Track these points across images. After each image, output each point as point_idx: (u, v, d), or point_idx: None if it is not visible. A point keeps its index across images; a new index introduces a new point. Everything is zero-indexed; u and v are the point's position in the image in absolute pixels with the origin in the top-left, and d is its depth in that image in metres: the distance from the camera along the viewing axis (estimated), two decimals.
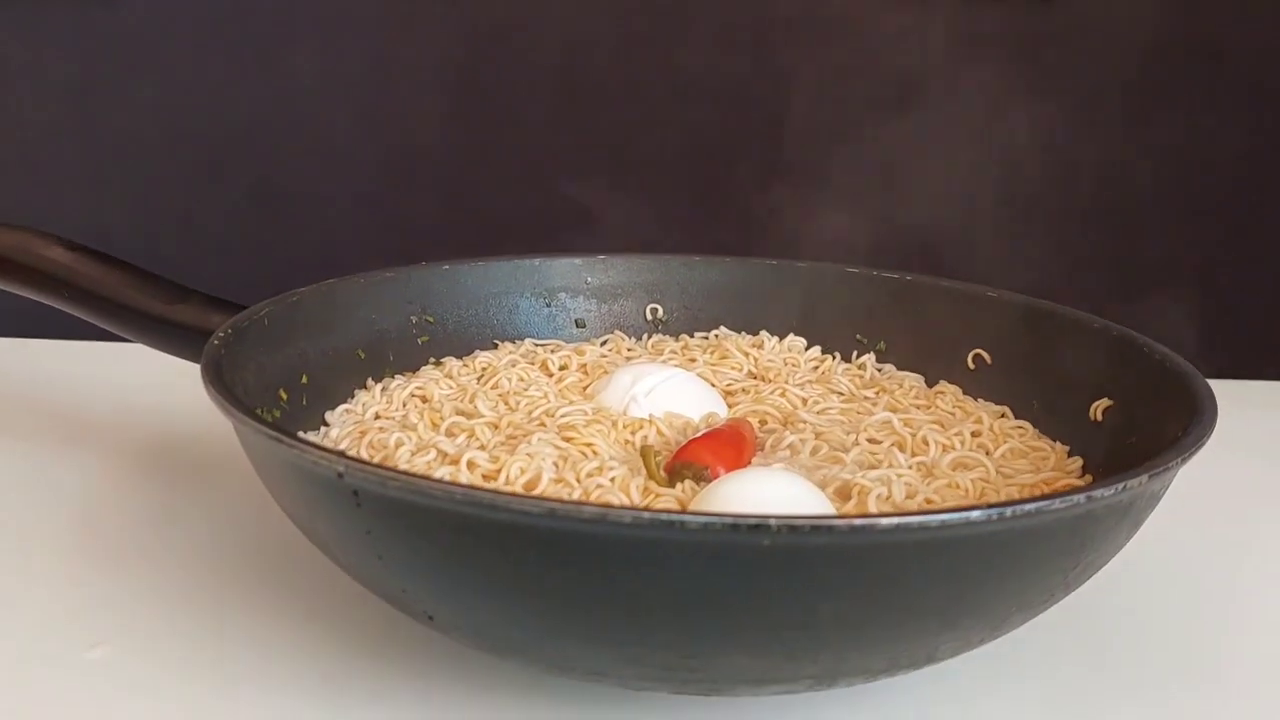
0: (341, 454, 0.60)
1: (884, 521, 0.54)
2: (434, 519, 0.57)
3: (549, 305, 1.15)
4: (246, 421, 0.63)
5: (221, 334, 0.81)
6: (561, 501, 0.54)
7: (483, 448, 0.87)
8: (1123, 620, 0.87)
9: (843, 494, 0.81)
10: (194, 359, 0.92)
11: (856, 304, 1.13)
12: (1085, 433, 0.91)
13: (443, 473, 0.77)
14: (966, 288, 1.07)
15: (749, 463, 0.86)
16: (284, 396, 0.88)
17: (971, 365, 1.05)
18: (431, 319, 1.08)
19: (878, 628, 0.59)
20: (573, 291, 1.16)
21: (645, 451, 0.81)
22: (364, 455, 0.85)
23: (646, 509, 0.53)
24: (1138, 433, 0.84)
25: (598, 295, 1.17)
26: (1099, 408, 0.90)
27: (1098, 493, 0.58)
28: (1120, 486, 0.59)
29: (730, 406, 1.00)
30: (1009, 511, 0.55)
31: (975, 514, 0.54)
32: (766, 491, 0.72)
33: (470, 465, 0.79)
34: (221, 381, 0.70)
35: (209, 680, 0.74)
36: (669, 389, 0.98)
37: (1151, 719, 0.75)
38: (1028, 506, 0.56)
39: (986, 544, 0.57)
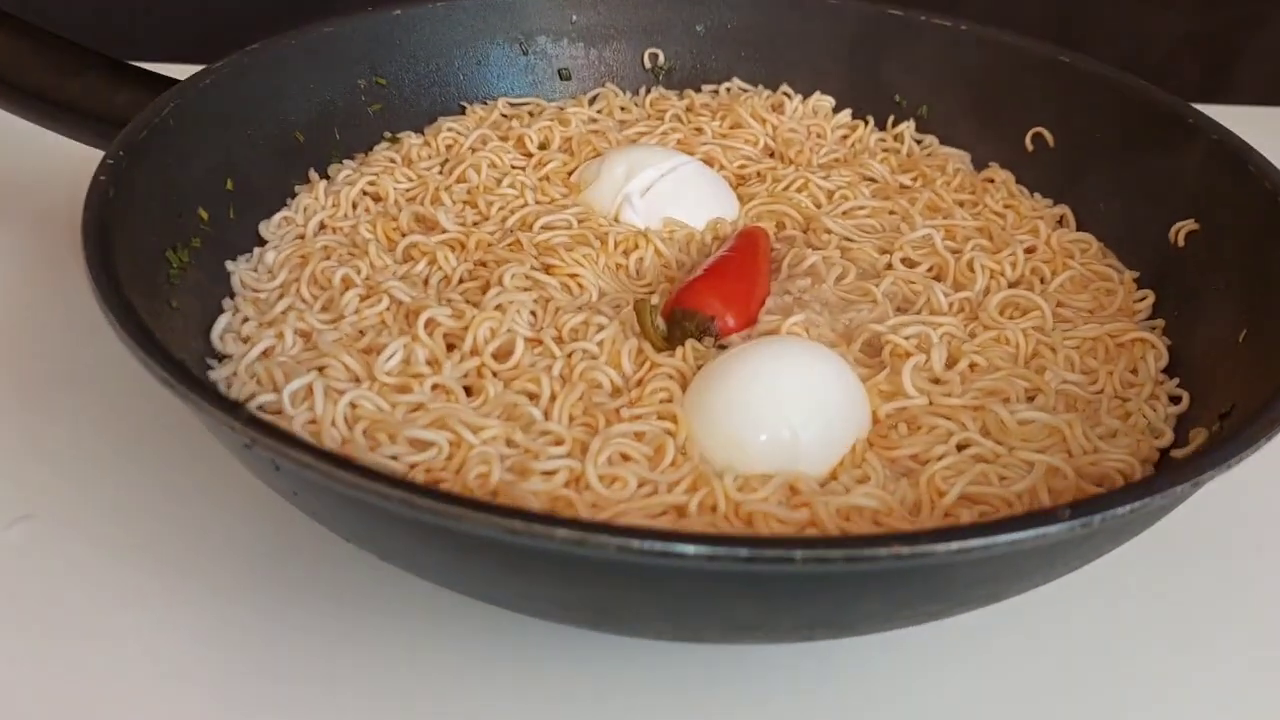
0: (250, 418, 0.47)
1: (940, 547, 0.42)
2: (370, 510, 0.46)
3: (526, 53, 0.96)
4: (136, 350, 0.50)
5: (111, 161, 0.65)
6: (528, 515, 0.42)
7: (446, 279, 0.73)
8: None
9: (872, 348, 0.69)
10: (100, 145, 0.77)
11: (897, 57, 0.93)
12: (1161, 257, 0.76)
13: (395, 348, 0.64)
14: (1034, 46, 0.87)
15: (762, 302, 0.73)
16: (204, 216, 0.73)
17: (1030, 146, 0.88)
18: (384, 81, 0.89)
19: (909, 615, 0.49)
20: (555, 34, 0.96)
21: (640, 307, 0.68)
22: (305, 294, 0.71)
23: (636, 530, 0.41)
24: (1226, 272, 0.70)
25: (585, 38, 0.97)
26: (1181, 230, 0.75)
27: (1177, 488, 0.46)
28: (1200, 478, 0.47)
29: (743, 202, 0.84)
30: (1083, 523, 0.43)
31: (1052, 528, 0.43)
32: (785, 398, 0.60)
33: (430, 325, 0.66)
34: (105, 265, 0.56)
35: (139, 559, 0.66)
36: (668, 186, 0.82)
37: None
38: (1100, 517, 0.44)
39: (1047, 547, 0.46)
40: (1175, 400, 0.66)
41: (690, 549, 0.41)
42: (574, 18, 0.96)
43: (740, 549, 0.41)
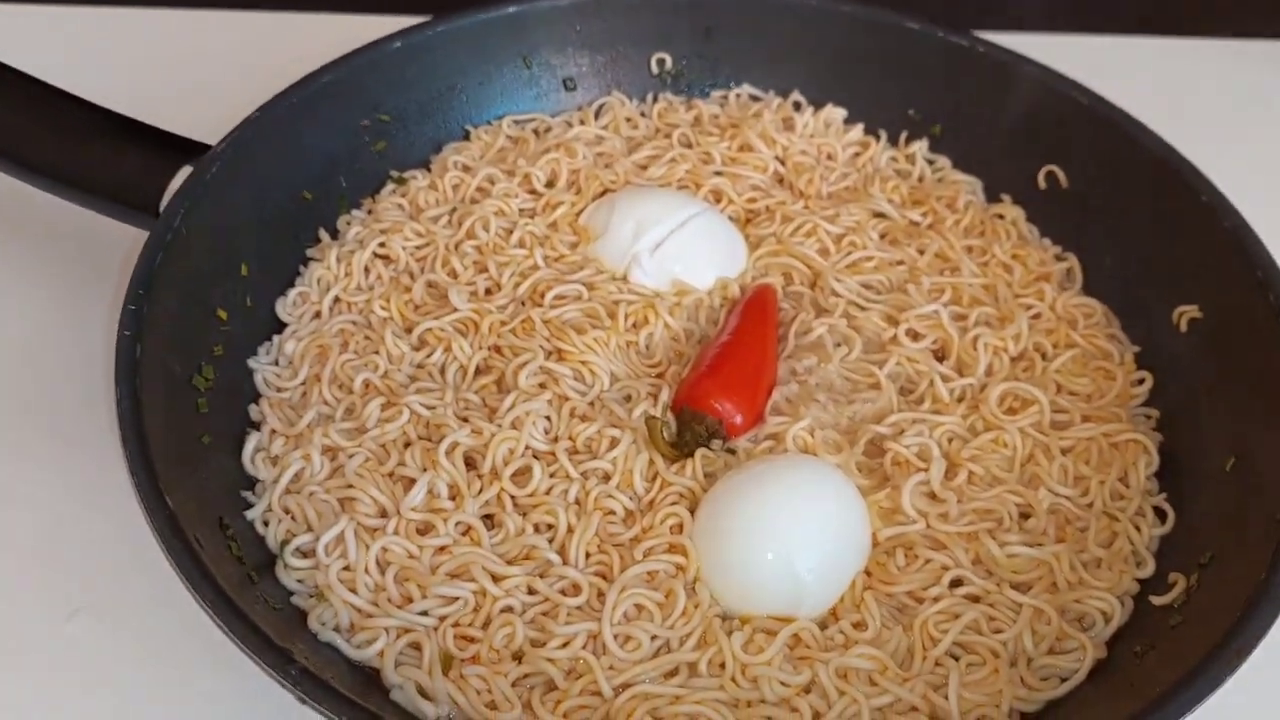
0: (303, 671, 0.51)
1: None
2: None
3: (529, 67, 0.93)
4: (207, 611, 0.54)
5: (133, 306, 0.66)
6: None
7: (463, 370, 0.75)
8: None
9: (875, 448, 0.72)
10: (112, 214, 0.77)
11: (913, 70, 0.91)
12: (1162, 334, 0.77)
13: (421, 486, 0.67)
14: (1056, 81, 0.85)
15: (769, 391, 0.75)
16: (223, 316, 0.74)
17: (1043, 184, 0.87)
18: (386, 117, 0.87)
19: None
20: (558, 45, 0.93)
21: (651, 424, 0.70)
22: (328, 396, 0.73)
23: None
24: (1221, 382, 0.71)
25: (590, 45, 0.94)
26: (1184, 315, 0.76)
27: None
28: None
29: (751, 246, 0.84)
30: None
31: None
32: (790, 540, 0.64)
33: (451, 450, 0.69)
34: (151, 480, 0.59)
35: None
36: (676, 244, 0.82)
37: None
38: None
39: None
40: (1161, 514, 0.70)
41: None
42: (578, 26, 0.92)
43: None
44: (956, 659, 0.63)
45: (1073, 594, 0.65)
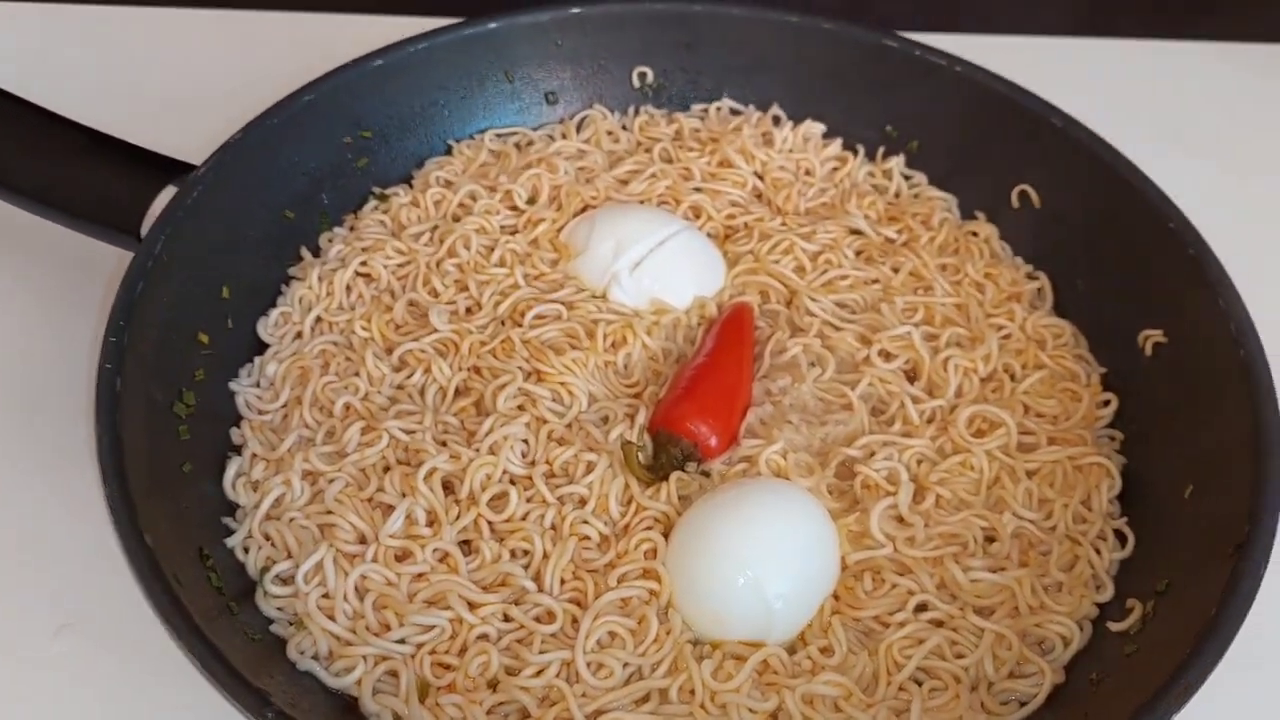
0: (279, 714, 0.53)
1: None
2: None
3: (511, 81, 0.93)
4: (187, 654, 0.55)
5: (114, 339, 0.67)
6: None
7: (442, 392, 0.76)
8: None
9: (846, 472, 0.74)
10: (93, 235, 0.78)
11: (891, 87, 0.91)
12: (1129, 356, 0.79)
13: (399, 514, 0.68)
14: (1031, 103, 0.86)
15: (744, 413, 0.77)
16: (205, 340, 0.75)
17: (1016, 204, 0.88)
18: (369, 133, 0.88)
19: None
20: (540, 60, 0.93)
21: (627, 450, 0.72)
22: (309, 419, 0.75)
23: None
24: (1183, 410, 0.73)
25: (572, 60, 0.94)
26: (1149, 340, 0.78)
27: None
28: None
29: (730, 263, 0.86)
30: None
31: None
32: (761, 569, 0.65)
33: (429, 476, 0.70)
34: (129, 511, 0.60)
35: None
36: (656, 263, 0.83)
37: None
38: None
39: None
40: (1121, 538, 0.71)
41: None
42: (559, 41, 0.93)
43: None
44: (920, 684, 0.65)
45: (1034, 618, 0.67)
